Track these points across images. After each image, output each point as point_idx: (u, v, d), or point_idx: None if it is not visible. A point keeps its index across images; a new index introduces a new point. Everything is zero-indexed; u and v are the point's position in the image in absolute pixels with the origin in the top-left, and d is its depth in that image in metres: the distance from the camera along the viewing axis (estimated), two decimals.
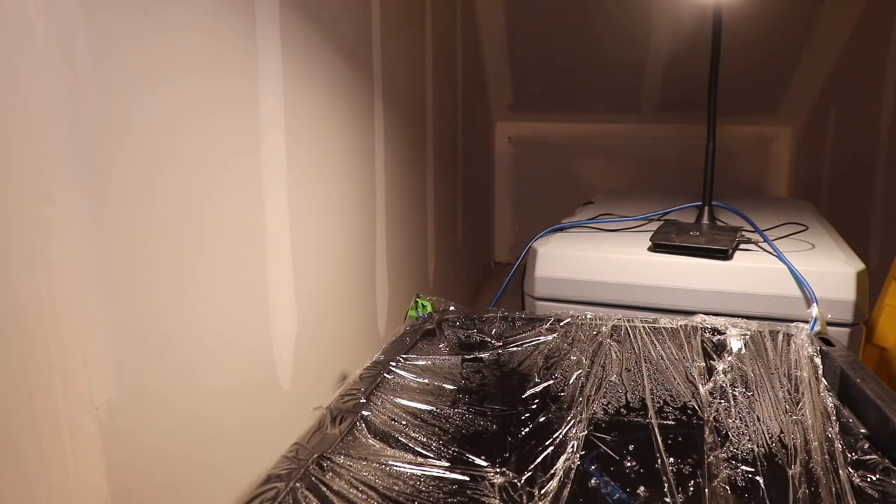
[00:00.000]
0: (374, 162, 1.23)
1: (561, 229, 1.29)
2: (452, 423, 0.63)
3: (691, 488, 0.53)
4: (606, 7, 2.12)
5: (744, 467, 0.56)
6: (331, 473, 0.50)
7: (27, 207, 0.50)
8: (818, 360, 0.67)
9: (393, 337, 0.78)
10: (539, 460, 0.56)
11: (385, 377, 0.67)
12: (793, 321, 0.74)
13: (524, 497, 0.52)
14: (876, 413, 0.58)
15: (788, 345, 0.69)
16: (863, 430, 0.59)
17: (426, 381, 0.69)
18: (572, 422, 0.61)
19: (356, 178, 1.14)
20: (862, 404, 0.61)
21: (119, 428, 0.58)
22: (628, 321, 0.77)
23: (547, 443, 0.59)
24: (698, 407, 0.66)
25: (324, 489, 0.49)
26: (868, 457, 0.54)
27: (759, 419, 0.62)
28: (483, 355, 0.76)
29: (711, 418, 0.62)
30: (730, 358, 0.70)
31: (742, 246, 1.14)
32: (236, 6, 0.74)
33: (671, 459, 0.56)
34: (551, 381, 0.71)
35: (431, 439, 0.59)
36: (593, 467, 0.57)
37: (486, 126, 2.52)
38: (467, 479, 0.53)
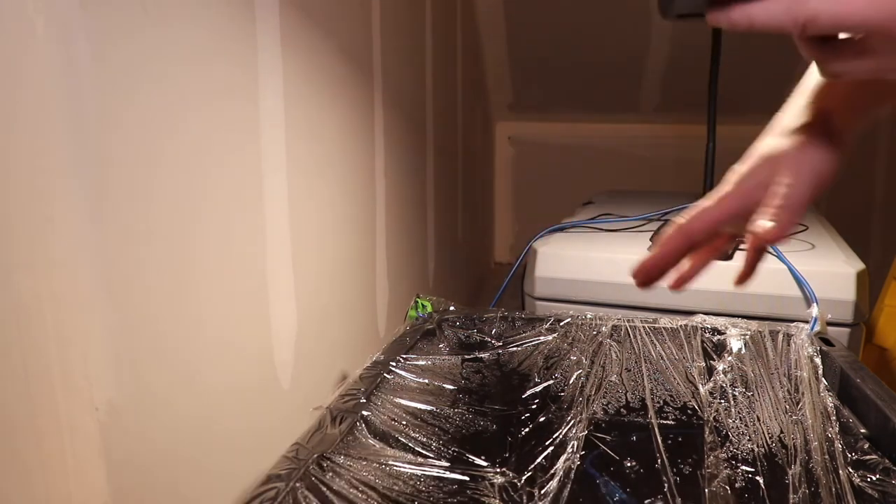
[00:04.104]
0: (375, 161, 1.23)
1: (561, 229, 1.29)
2: (452, 423, 0.63)
3: (691, 488, 0.53)
4: (606, 7, 2.12)
5: (744, 467, 0.56)
6: (331, 473, 0.50)
7: (28, 207, 0.50)
8: (818, 360, 0.67)
9: (393, 337, 0.78)
10: (539, 460, 0.56)
11: (385, 377, 0.67)
12: (793, 321, 0.74)
13: (524, 497, 0.52)
14: (876, 413, 0.58)
15: (788, 345, 0.69)
16: (863, 430, 0.59)
17: (426, 381, 0.69)
18: (572, 422, 0.61)
19: (356, 177, 1.14)
20: (862, 404, 0.61)
21: (119, 428, 0.58)
22: (628, 321, 0.77)
23: (547, 443, 0.59)
24: (698, 407, 0.66)
25: (324, 489, 0.49)
26: (868, 457, 0.54)
27: (759, 419, 0.62)
28: (483, 355, 0.76)
29: (711, 418, 0.62)
30: (730, 358, 0.70)
31: (742, 246, 1.14)
32: (236, 5, 0.74)
33: (671, 459, 0.56)
34: (551, 381, 0.71)
35: (431, 439, 0.59)
36: (593, 467, 0.57)
37: (486, 126, 2.52)
38: (467, 479, 0.53)
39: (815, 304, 0.83)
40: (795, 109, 0.49)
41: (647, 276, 0.51)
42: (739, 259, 1.10)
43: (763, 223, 0.43)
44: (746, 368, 0.68)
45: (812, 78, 0.48)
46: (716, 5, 0.31)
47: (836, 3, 0.29)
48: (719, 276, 1.06)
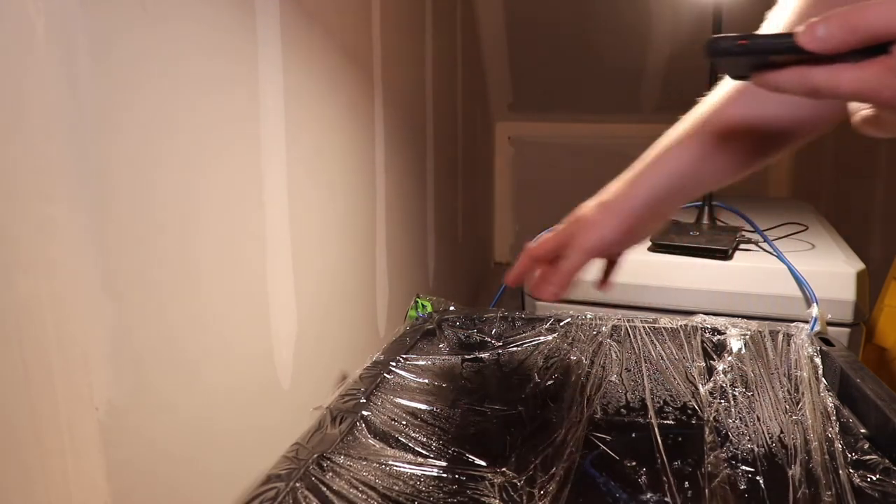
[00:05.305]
0: (374, 161, 1.23)
1: None
2: (452, 423, 0.63)
3: (691, 488, 0.53)
4: (606, 7, 2.12)
5: (744, 467, 0.56)
6: (331, 473, 0.50)
7: (29, 208, 0.50)
8: (818, 360, 0.67)
9: (393, 337, 0.78)
10: (539, 460, 0.56)
11: (385, 377, 0.67)
12: (793, 321, 0.74)
13: (524, 497, 0.52)
14: (876, 413, 0.58)
15: (788, 345, 0.69)
16: (863, 431, 0.59)
17: (426, 381, 0.69)
18: (572, 422, 0.61)
19: (356, 177, 1.14)
20: (862, 404, 0.61)
21: (119, 428, 0.58)
22: (628, 321, 0.77)
23: (547, 443, 0.59)
24: (698, 407, 0.66)
25: (324, 489, 0.49)
26: (868, 457, 0.54)
27: (759, 419, 0.62)
28: (483, 355, 0.76)
29: (711, 418, 0.62)
30: (730, 358, 0.70)
31: (742, 246, 1.14)
32: (237, 2, 0.74)
33: (671, 459, 0.56)
34: (551, 381, 0.71)
35: (431, 439, 0.59)
36: (593, 467, 0.57)
37: (486, 126, 2.52)
38: (467, 479, 0.53)
39: (815, 304, 0.83)
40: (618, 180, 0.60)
41: (513, 282, 0.65)
42: (739, 259, 1.10)
43: (545, 287, 0.60)
44: (746, 368, 0.68)
45: (640, 162, 0.58)
46: (754, 74, 0.41)
47: (830, 80, 0.37)
48: (719, 276, 1.06)
